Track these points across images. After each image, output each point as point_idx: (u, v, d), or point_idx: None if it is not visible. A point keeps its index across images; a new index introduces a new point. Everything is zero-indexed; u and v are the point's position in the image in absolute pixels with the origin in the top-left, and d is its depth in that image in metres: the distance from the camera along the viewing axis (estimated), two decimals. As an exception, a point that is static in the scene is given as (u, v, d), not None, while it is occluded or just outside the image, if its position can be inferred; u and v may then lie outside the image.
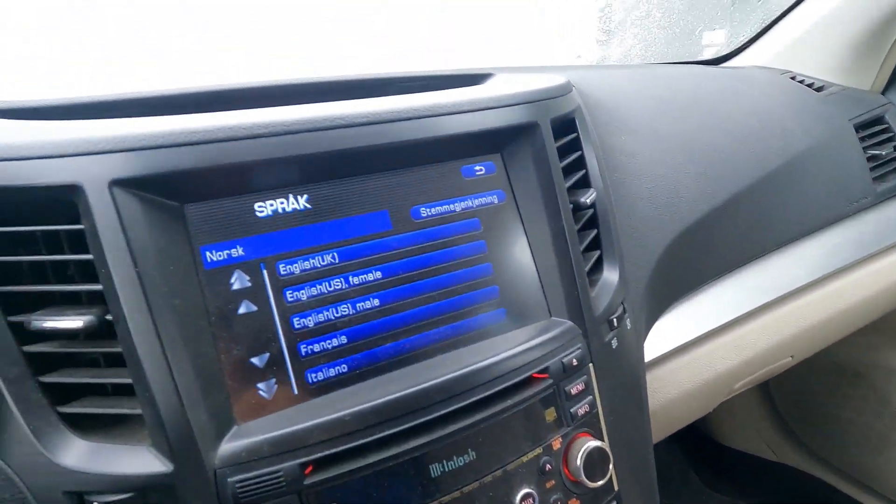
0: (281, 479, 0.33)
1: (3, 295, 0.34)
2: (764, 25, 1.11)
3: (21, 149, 0.33)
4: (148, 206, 0.34)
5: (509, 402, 0.40)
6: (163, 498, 0.32)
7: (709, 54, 1.19)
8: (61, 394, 0.35)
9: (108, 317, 0.33)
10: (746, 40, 1.14)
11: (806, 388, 1.25)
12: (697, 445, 1.38)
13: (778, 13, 1.11)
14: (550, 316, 0.46)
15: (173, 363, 0.33)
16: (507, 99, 0.46)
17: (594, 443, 0.42)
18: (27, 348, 0.34)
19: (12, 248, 0.35)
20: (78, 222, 0.35)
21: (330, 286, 0.40)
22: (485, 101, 0.44)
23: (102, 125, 0.35)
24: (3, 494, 0.33)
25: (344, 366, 0.39)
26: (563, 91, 0.53)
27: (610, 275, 0.51)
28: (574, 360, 0.44)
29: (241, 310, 0.37)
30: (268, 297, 0.38)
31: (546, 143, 0.47)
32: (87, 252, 0.34)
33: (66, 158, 0.33)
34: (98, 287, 0.33)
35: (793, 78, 1.00)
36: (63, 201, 0.34)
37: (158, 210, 0.35)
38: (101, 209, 0.33)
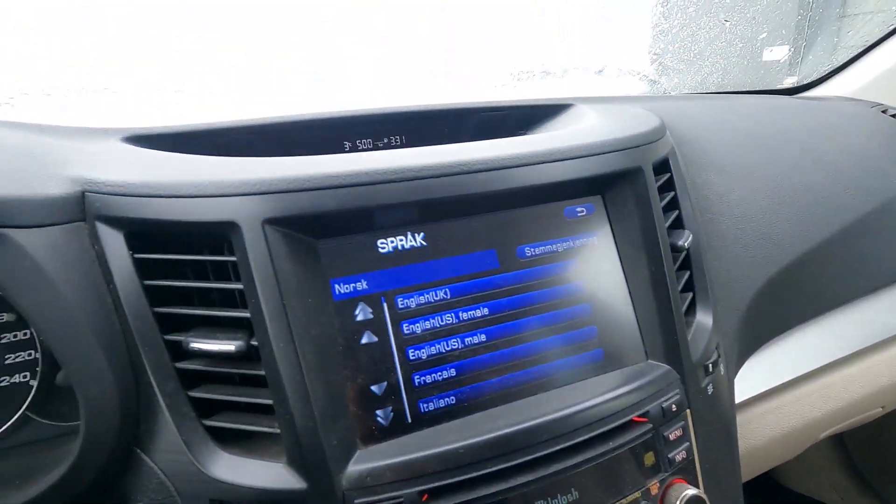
0: (402, 504, 0.35)
1: (160, 315, 0.38)
2: (852, 53, 1.07)
3: (184, 187, 0.37)
4: (290, 242, 0.38)
5: (611, 445, 0.41)
6: (296, 514, 0.35)
7: (789, 83, 1.15)
8: (204, 408, 0.38)
9: (254, 342, 0.37)
10: (832, 69, 1.10)
11: (883, 434, 1.18)
12: (760, 487, 1.32)
13: (852, 38, 1.07)
14: (647, 359, 0.47)
15: (311, 388, 0.36)
16: (613, 144, 0.47)
17: (692, 490, 0.42)
18: (179, 365, 0.38)
19: (165, 274, 0.39)
20: (220, 252, 0.38)
21: (442, 321, 0.42)
22: (593, 147, 0.46)
23: (254, 165, 0.39)
24: (156, 497, 0.37)
25: (452, 398, 0.41)
26: (661, 133, 0.53)
27: (703, 318, 0.51)
28: (673, 406, 0.44)
29: (364, 340, 0.40)
30: (387, 329, 0.40)
31: (648, 187, 0.48)
32: (234, 281, 0.37)
33: (225, 198, 0.36)
34: (245, 314, 0.37)
35: (884, 111, 0.96)
36: (214, 234, 0.38)
37: (298, 245, 0.38)
38: (255, 244, 0.36)
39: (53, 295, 0.35)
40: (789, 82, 1.14)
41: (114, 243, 0.38)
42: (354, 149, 0.71)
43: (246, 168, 0.39)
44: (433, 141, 0.74)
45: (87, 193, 0.39)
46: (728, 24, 0.96)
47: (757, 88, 1.10)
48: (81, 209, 0.39)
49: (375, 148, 0.73)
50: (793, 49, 1.18)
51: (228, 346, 0.36)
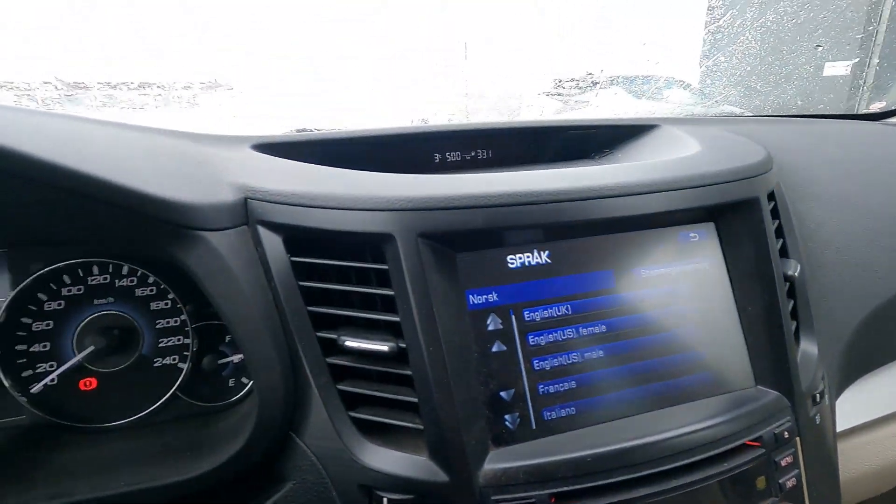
0: (534, 504, 0.38)
1: (314, 314, 0.42)
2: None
3: (344, 200, 0.41)
4: (435, 254, 0.41)
5: (726, 466, 0.43)
6: (437, 504, 0.38)
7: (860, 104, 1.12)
8: (349, 401, 0.42)
9: (402, 344, 0.40)
10: (924, 96, 1.07)
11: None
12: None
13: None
14: (756, 384, 0.48)
15: (454, 389, 0.39)
16: (732, 174, 0.48)
17: (802, 517, 0.43)
18: (330, 360, 0.42)
19: (313, 277, 0.43)
20: (362, 260, 0.42)
21: (563, 334, 0.44)
22: (714, 177, 0.47)
23: (406, 182, 0.43)
24: (308, 477, 0.41)
25: (573, 408, 0.43)
26: (772, 163, 0.54)
27: (808, 347, 0.52)
28: (785, 433, 0.45)
29: (494, 348, 0.43)
30: (515, 339, 0.43)
31: (764, 217, 0.49)
32: (385, 287, 0.41)
33: (384, 212, 0.40)
34: (396, 318, 0.40)
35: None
36: (366, 244, 0.42)
37: (441, 257, 0.41)
38: (409, 255, 0.40)
39: (237, 290, 0.39)
40: (877, 107, 1.11)
41: (274, 246, 0.43)
42: (444, 161, 0.75)
43: (400, 185, 0.42)
44: (519, 156, 0.78)
45: (249, 200, 0.44)
46: (820, 48, 0.95)
47: (826, 110, 1.08)
48: (245, 214, 0.44)
49: (463, 160, 0.76)
50: (856, 66, 1.14)
51: (382, 347, 0.40)
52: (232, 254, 0.40)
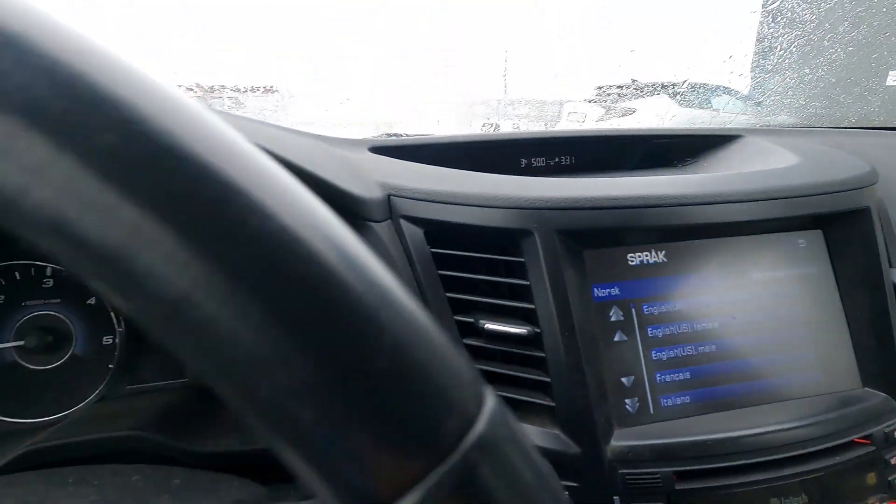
0: (659, 480, 0.42)
1: (452, 300, 0.47)
2: None
3: (490, 199, 0.46)
4: (567, 249, 0.45)
5: (838, 460, 0.45)
6: (570, 473, 0.43)
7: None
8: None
9: (537, 329, 0.45)
10: None
11: None
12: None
13: None
14: (863, 386, 0.50)
15: (587, 372, 0.43)
16: (842, 184, 0.51)
17: (912, 514, 0.45)
18: (466, 341, 0.47)
19: (452, 267, 0.48)
20: (496, 252, 0.47)
21: (679, 329, 0.48)
22: (825, 186, 0.50)
23: (542, 184, 0.47)
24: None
25: (687, 397, 0.47)
26: (877, 175, 0.56)
27: (911, 354, 0.53)
28: (895, 433, 0.47)
29: (616, 338, 0.47)
30: (635, 331, 0.47)
31: (875, 226, 0.51)
32: (519, 277, 0.46)
33: (525, 210, 0.45)
34: (531, 305, 0.45)
35: None
36: (504, 238, 0.46)
37: (571, 253, 0.46)
38: (546, 250, 0.44)
39: (398, 275, 0.45)
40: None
41: (416, 238, 0.48)
42: (529, 166, 0.80)
43: (536, 187, 0.47)
44: (601, 163, 0.81)
45: (392, 197, 0.49)
46: (913, 61, 0.94)
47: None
48: (388, 209, 0.49)
49: (548, 166, 0.81)
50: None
51: (521, 330, 0.44)
52: (389, 243, 0.46)
